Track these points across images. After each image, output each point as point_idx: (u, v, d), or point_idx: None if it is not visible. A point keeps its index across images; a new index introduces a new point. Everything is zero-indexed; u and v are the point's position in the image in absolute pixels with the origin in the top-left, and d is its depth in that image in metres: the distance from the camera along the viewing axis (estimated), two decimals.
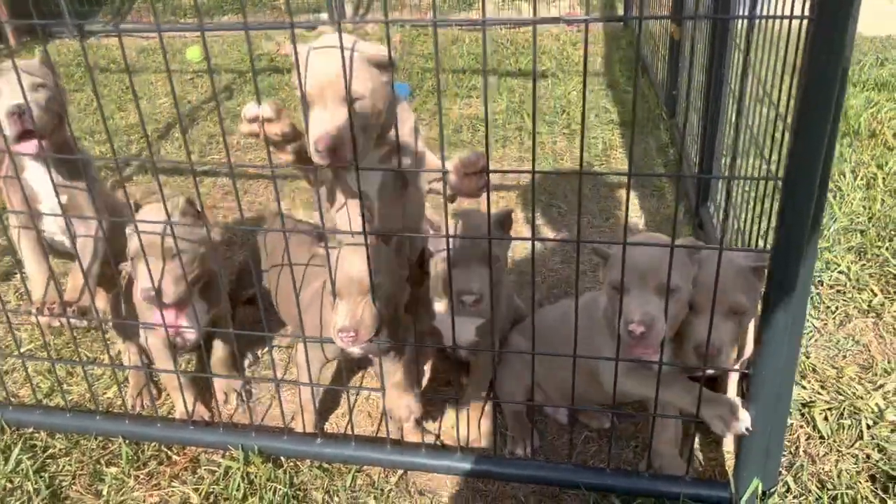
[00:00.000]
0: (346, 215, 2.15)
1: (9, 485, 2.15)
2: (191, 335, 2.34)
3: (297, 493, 2.11)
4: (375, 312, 1.94)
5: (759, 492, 1.94)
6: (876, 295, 2.82)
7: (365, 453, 2.16)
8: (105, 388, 2.55)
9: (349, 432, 2.26)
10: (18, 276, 3.05)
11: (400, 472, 2.19)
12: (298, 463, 2.20)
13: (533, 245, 1.76)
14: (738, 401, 1.85)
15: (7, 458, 2.20)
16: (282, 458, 2.20)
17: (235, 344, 2.33)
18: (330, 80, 1.77)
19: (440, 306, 2.29)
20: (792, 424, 2.26)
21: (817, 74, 1.42)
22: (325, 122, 1.77)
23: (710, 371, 1.97)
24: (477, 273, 2.04)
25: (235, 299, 2.83)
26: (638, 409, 2.35)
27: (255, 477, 2.13)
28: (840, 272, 2.93)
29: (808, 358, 2.51)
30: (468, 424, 2.30)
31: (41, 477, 2.16)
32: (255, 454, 2.16)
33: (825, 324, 2.71)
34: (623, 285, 1.78)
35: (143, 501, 2.11)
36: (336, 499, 2.10)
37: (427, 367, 2.61)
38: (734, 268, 1.87)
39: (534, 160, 1.63)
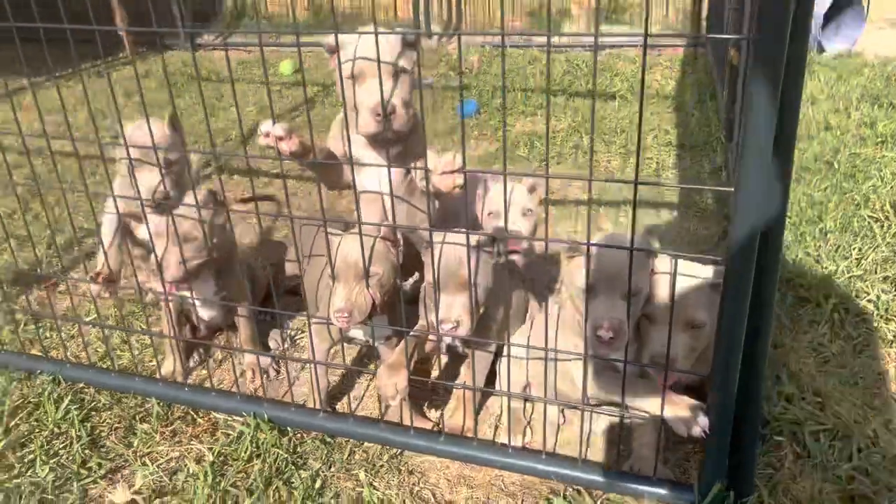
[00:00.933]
0: (359, 210, 2.36)
1: (56, 430, 2.46)
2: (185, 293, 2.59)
3: (297, 460, 2.31)
4: (370, 297, 2.13)
5: (731, 500, 1.98)
6: None
7: (360, 429, 2.34)
8: (151, 357, 2.86)
9: (352, 411, 2.45)
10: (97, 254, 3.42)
11: (395, 451, 2.35)
12: (304, 434, 2.41)
13: (503, 244, 1.90)
14: (699, 405, 1.91)
15: (58, 407, 2.52)
16: (288, 428, 2.41)
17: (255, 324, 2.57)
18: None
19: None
20: (781, 442, 2.27)
21: (754, 86, 1.51)
22: (379, 91, 2.01)
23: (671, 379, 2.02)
24: (456, 301, 2.09)
25: (277, 286, 3.10)
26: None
27: (262, 443, 2.35)
28: (869, 300, 2.88)
29: (813, 381, 2.50)
30: (464, 415, 2.44)
31: (84, 426, 2.46)
32: (265, 422, 2.39)
33: (843, 350, 2.68)
34: (588, 287, 1.88)
35: (166, 455, 2.37)
36: (332, 469, 2.29)
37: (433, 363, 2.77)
38: (694, 283, 1.94)
39: (504, 162, 1.77)
